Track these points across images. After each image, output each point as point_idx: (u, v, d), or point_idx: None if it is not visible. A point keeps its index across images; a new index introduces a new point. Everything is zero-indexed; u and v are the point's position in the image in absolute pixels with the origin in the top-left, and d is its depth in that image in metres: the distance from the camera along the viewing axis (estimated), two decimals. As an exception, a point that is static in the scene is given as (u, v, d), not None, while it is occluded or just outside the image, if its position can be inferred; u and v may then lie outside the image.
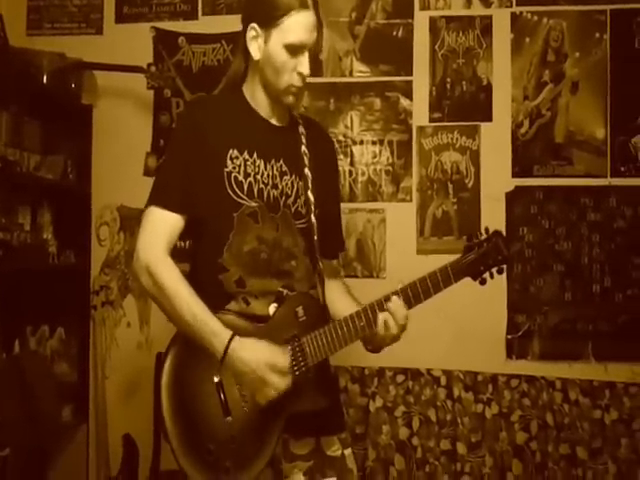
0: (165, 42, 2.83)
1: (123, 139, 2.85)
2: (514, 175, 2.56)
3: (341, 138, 2.68)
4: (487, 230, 1.41)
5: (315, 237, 1.49)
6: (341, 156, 2.68)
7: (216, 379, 1.37)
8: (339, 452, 1.50)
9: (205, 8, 2.81)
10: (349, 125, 2.68)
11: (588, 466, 2.34)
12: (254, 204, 1.43)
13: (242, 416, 1.36)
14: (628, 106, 2.47)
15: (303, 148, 1.51)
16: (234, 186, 1.42)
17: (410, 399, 2.45)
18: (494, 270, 1.40)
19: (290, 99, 1.47)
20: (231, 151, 1.44)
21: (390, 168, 2.66)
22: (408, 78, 2.65)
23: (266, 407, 1.37)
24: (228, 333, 1.35)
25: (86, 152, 2.86)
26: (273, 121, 1.50)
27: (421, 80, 2.64)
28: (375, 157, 2.66)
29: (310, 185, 1.49)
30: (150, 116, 2.82)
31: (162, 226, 1.40)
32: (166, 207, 1.40)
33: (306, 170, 1.49)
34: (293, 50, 1.41)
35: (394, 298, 1.38)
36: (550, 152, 2.53)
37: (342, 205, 2.60)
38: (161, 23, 2.84)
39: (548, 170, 2.53)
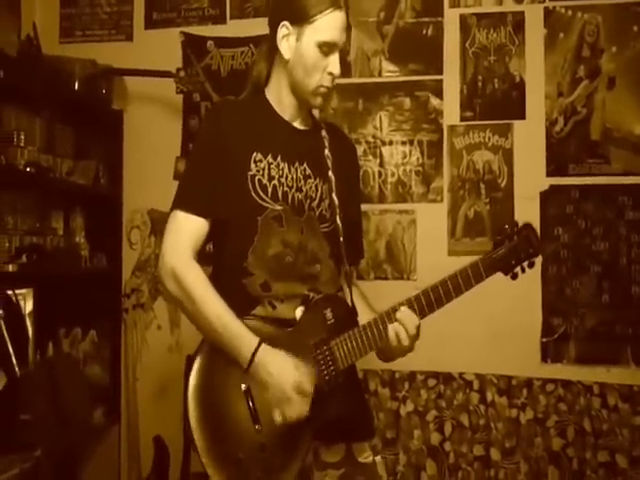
0: (194, 47, 2.84)
1: (153, 143, 2.85)
2: (549, 174, 2.49)
3: (370, 139, 2.65)
4: (517, 224, 1.37)
5: (341, 239, 1.45)
6: (370, 157, 2.64)
7: (244, 386, 1.34)
8: (370, 459, 1.46)
9: (233, 12, 2.81)
10: (378, 126, 2.64)
11: (628, 475, 2.25)
12: (278, 207, 1.41)
13: (272, 424, 1.33)
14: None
15: (326, 152, 1.48)
16: (258, 189, 1.40)
17: (442, 403, 2.40)
18: (525, 264, 1.36)
19: (319, 101, 1.44)
20: (255, 154, 1.41)
21: (420, 168, 2.61)
22: (438, 77, 2.60)
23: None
24: (255, 341, 1.32)
25: (117, 157, 2.88)
26: (296, 124, 1.49)
27: (452, 79, 2.59)
28: (405, 157, 2.62)
29: (334, 188, 1.46)
30: (180, 120, 2.82)
31: (187, 230, 1.38)
32: (191, 211, 1.38)
33: (330, 173, 1.47)
34: (325, 49, 1.38)
35: (402, 308, 1.34)
36: (586, 150, 2.45)
37: (372, 206, 2.64)
38: (190, 28, 2.85)
39: (584, 168, 2.45)
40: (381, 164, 2.64)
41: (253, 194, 1.40)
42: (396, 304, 1.36)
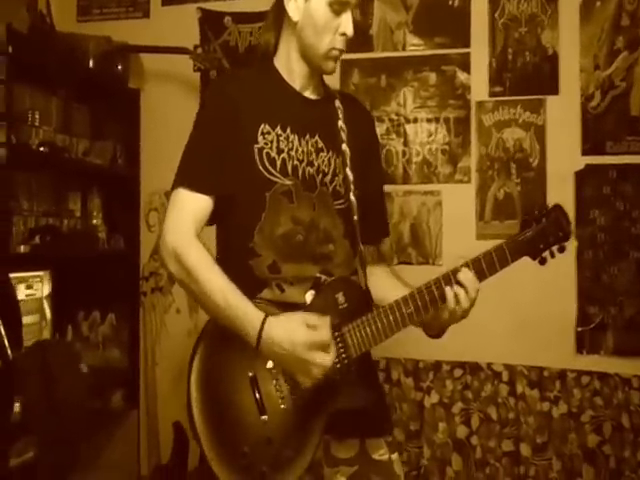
0: (211, 23, 2.75)
1: (170, 122, 2.78)
2: (584, 153, 2.34)
3: (394, 116, 2.52)
4: (546, 206, 1.28)
5: (355, 217, 1.36)
6: (393, 135, 2.52)
7: (250, 374, 1.25)
8: (386, 456, 1.36)
9: (251, -14, 2.70)
10: (402, 102, 2.52)
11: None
12: (288, 182, 1.32)
13: (279, 415, 1.24)
14: None
15: (340, 123, 1.38)
16: (266, 163, 1.31)
17: (469, 395, 2.29)
18: (555, 248, 1.27)
19: (331, 65, 1.34)
20: (262, 126, 1.32)
21: (447, 147, 2.48)
22: (465, 50, 2.46)
23: (304, 405, 1.24)
24: (261, 316, 1.23)
25: (134, 137, 2.82)
26: (307, 94, 1.38)
27: (480, 52, 2.44)
28: (430, 136, 2.49)
29: (349, 162, 1.36)
30: (197, 99, 2.74)
31: (190, 208, 1.30)
32: (193, 188, 1.30)
33: (344, 146, 1.37)
34: (337, 7, 1.29)
35: (464, 269, 1.25)
36: (625, 126, 2.29)
37: (395, 187, 2.53)
38: (207, 3, 2.76)
39: (623, 147, 2.30)
40: (405, 143, 2.52)
41: (261, 168, 1.30)
42: (456, 267, 1.27)
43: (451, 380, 2.31)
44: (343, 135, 1.36)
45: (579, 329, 2.30)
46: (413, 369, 2.36)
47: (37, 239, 2.28)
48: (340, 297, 1.29)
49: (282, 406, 1.25)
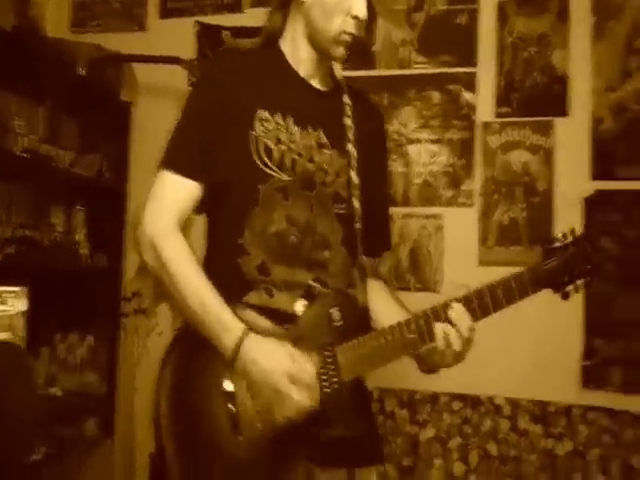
0: (209, 37, 2.73)
1: (162, 138, 2.70)
2: (594, 177, 2.30)
3: (395, 136, 2.48)
4: (572, 232, 1.19)
5: (357, 225, 1.27)
6: (395, 156, 2.47)
7: (227, 388, 1.16)
8: None
9: (251, 0, 2.70)
10: (404, 122, 2.48)
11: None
12: (285, 177, 1.23)
13: (256, 436, 1.15)
14: None
15: (347, 120, 1.30)
16: (262, 154, 1.23)
17: (467, 430, 2.19)
18: (580, 282, 1.18)
19: (340, 51, 1.25)
20: (260, 112, 1.23)
21: (450, 169, 2.44)
22: (472, 69, 2.44)
23: (285, 428, 1.14)
24: (240, 328, 1.14)
25: (123, 151, 2.79)
26: (314, 83, 1.30)
27: (486, 71, 2.43)
28: (433, 157, 2.45)
29: (354, 164, 1.28)
30: (191, 113, 2.70)
31: (174, 194, 1.21)
32: (180, 172, 1.21)
33: (349, 146, 1.29)
34: None
35: (456, 305, 1.16)
36: (637, 151, 2.26)
37: (395, 210, 2.47)
38: (205, 17, 2.74)
39: (635, 171, 2.25)
40: (406, 164, 2.48)
41: (256, 158, 1.22)
42: (446, 300, 1.17)
43: (449, 413, 2.23)
44: (349, 134, 1.29)
45: (585, 363, 2.22)
46: (408, 400, 2.27)
47: (12, 249, 2.20)
48: (335, 313, 1.20)
49: (259, 426, 1.15)
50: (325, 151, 1.27)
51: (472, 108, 2.43)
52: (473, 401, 2.24)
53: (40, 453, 2.34)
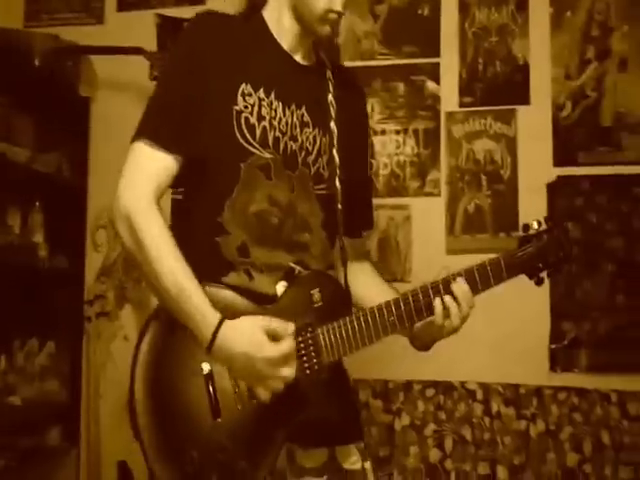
0: (170, 30, 2.70)
1: (123, 135, 2.65)
2: (556, 164, 2.36)
3: (361, 128, 2.50)
4: (547, 220, 1.23)
5: (339, 206, 1.27)
6: (361, 147, 2.49)
7: (205, 369, 1.15)
8: (359, 465, 1.28)
9: (212, -9, 2.70)
10: (370, 113, 2.50)
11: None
12: (267, 155, 1.21)
13: (236, 418, 1.14)
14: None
15: (330, 97, 1.28)
16: (244, 130, 1.20)
17: (442, 416, 2.21)
18: (552, 270, 1.23)
19: (326, 29, 1.23)
20: (243, 86, 1.20)
21: (415, 159, 2.47)
22: (435, 60, 2.48)
23: (266, 410, 1.14)
24: (216, 318, 1.12)
25: (83, 148, 2.73)
26: (297, 57, 1.28)
27: (450, 62, 2.48)
28: (399, 147, 2.49)
29: (335, 143, 1.27)
30: (152, 108, 2.67)
31: (150, 167, 1.17)
32: (157, 143, 1.17)
33: (332, 124, 1.27)
34: None
35: (460, 280, 1.17)
36: (597, 137, 2.33)
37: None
38: (166, 10, 2.72)
39: (595, 157, 2.32)
40: (372, 155, 2.50)
41: (237, 134, 1.20)
42: (449, 275, 1.18)
43: (423, 401, 2.24)
44: (332, 111, 1.27)
45: (552, 346, 2.28)
46: (382, 390, 2.28)
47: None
48: (316, 294, 1.20)
49: (239, 407, 1.15)
50: (307, 130, 1.26)
51: (436, 99, 2.47)
52: (446, 387, 2.26)
53: (-1, 464, 2.27)
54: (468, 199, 2.42)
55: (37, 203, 2.65)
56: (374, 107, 2.51)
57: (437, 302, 1.17)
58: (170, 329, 1.16)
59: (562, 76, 2.38)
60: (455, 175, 2.44)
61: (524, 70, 2.41)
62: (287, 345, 1.13)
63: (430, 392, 2.25)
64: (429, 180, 2.46)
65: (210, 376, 1.14)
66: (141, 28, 2.71)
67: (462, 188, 2.43)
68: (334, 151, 1.27)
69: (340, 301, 1.24)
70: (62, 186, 2.66)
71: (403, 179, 2.48)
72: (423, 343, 1.29)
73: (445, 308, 1.17)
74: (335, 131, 1.27)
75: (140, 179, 1.17)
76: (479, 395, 2.23)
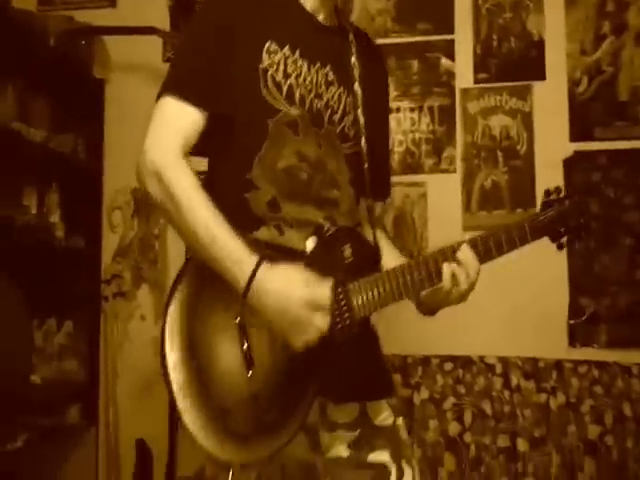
0: (183, 11, 2.73)
1: (138, 116, 2.66)
2: (572, 139, 2.38)
3: (375, 106, 2.52)
4: (567, 189, 1.26)
5: (365, 165, 1.28)
6: (376, 125, 2.51)
7: (238, 320, 1.15)
8: (390, 421, 1.28)
9: (226, -30, 2.71)
10: (384, 91, 2.53)
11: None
12: (294, 112, 1.22)
13: (268, 371, 1.15)
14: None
15: (353, 59, 1.29)
16: (270, 87, 1.21)
17: (461, 390, 2.24)
18: (572, 236, 1.24)
19: None
20: (269, 43, 1.21)
21: (431, 136, 2.49)
22: (449, 37, 2.49)
23: (298, 362, 1.15)
24: (253, 259, 1.13)
25: (98, 130, 2.75)
26: (320, 18, 1.29)
27: (464, 38, 2.48)
28: (414, 125, 2.50)
29: (360, 104, 1.28)
30: (166, 89, 2.70)
31: (178, 122, 1.17)
32: (185, 98, 1.17)
33: (356, 85, 1.28)
34: None
35: (464, 247, 1.19)
36: (614, 112, 2.34)
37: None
38: (178, -10, 2.74)
39: (612, 132, 2.33)
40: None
41: (264, 91, 1.20)
42: (454, 243, 1.21)
43: (441, 375, 2.26)
44: (355, 73, 1.28)
45: (571, 322, 2.30)
46: (400, 365, 2.30)
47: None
48: (347, 250, 1.21)
49: (272, 361, 1.16)
50: (332, 88, 1.26)
51: (451, 75, 2.48)
52: (465, 362, 2.28)
53: (20, 441, 2.31)
54: (484, 175, 2.43)
55: (54, 184, 2.68)
56: (389, 85, 2.53)
57: (445, 267, 1.18)
58: (201, 284, 1.16)
59: (577, 51, 2.38)
60: (471, 151, 2.45)
61: (539, 46, 2.41)
62: (325, 293, 1.14)
63: (449, 366, 2.27)
64: (445, 157, 2.47)
65: (243, 327, 1.14)
66: (153, 10, 2.73)
67: (478, 164, 2.44)
68: (359, 111, 1.28)
69: (370, 258, 1.25)
70: (78, 167, 2.68)
71: (419, 156, 2.49)
72: (429, 308, 1.29)
73: (453, 274, 1.18)
74: (359, 92, 1.28)
75: (167, 133, 1.17)
76: (498, 369, 2.24)
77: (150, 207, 2.84)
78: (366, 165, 1.28)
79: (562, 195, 1.25)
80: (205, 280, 1.17)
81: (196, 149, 1.22)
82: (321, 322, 1.13)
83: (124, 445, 2.60)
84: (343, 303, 1.19)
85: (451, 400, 2.24)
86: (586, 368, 2.19)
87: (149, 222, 2.81)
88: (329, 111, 1.26)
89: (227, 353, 1.15)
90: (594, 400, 2.16)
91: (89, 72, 2.71)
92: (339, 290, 1.18)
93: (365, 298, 1.20)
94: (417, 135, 2.50)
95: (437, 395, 2.24)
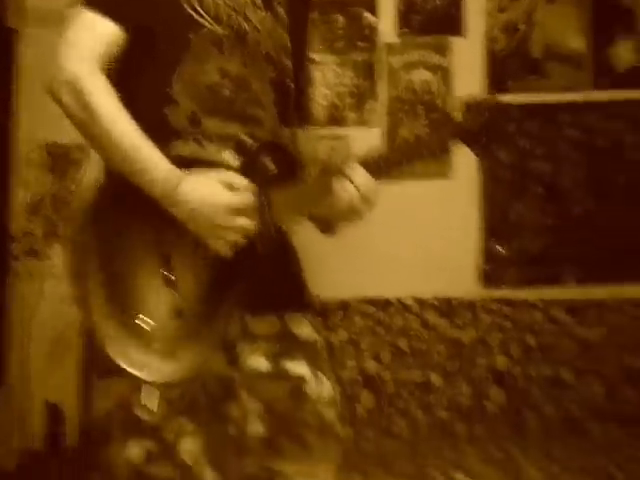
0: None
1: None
2: (490, 93, 2.49)
3: (300, 60, 2.57)
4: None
5: (291, 86, 1.29)
6: (300, 79, 2.56)
7: (159, 236, 1.15)
8: (312, 338, 1.28)
9: None
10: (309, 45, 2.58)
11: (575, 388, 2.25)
12: (219, 30, 1.23)
13: (192, 286, 1.16)
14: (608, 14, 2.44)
15: None
16: (195, 3, 1.20)
17: (380, 330, 2.30)
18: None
19: None
20: None
21: (354, 90, 2.56)
22: (373, -8, 2.59)
23: (221, 272, 1.17)
24: (175, 171, 1.14)
25: (8, 82, 2.67)
26: None
27: (387, -6, 2.59)
28: (337, 79, 2.56)
29: (285, 28, 1.29)
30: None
31: (96, 33, 1.15)
32: (101, 11, 1.15)
33: (280, 10, 1.30)
34: None
35: (353, 165, 1.19)
36: (527, 67, 2.50)
37: (301, 132, 2.55)
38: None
39: (525, 86, 2.48)
40: (312, 86, 2.57)
41: (185, 4, 1.20)
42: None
43: (360, 317, 2.32)
44: None
45: (484, 265, 2.41)
46: (320, 309, 2.33)
47: None
48: (269, 162, 1.24)
49: (196, 274, 1.17)
50: (260, 12, 1.28)
51: (374, 30, 2.57)
52: (383, 304, 2.37)
53: None
54: (406, 129, 2.52)
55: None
56: (313, 39, 2.58)
57: (336, 183, 1.17)
58: (119, 207, 1.15)
59: (495, 10, 2.52)
60: (394, 105, 2.54)
61: (459, 2, 2.54)
62: (245, 196, 1.17)
63: (368, 308, 2.35)
64: (367, 110, 2.55)
65: (164, 243, 1.15)
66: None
67: (400, 118, 2.53)
68: (284, 36, 1.30)
69: (293, 169, 1.26)
70: (-15, 121, 2.61)
71: (342, 109, 2.56)
72: (325, 225, 1.29)
73: (344, 189, 1.18)
74: (284, 17, 1.31)
75: (85, 43, 1.15)
76: (415, 309, 2.35)
77: (65, 162, 2.79)
78: (292, 86, 1.31)
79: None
80: (121, 201, 1.15)
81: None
82: (246, 223, 1.18)
83: (35, 408, 2.55)
84: (267, 211, 1.21)
85: (369, 340, 2.30)
86: (496, 305, 2.31)
87: (66, 178, 2.75)
88: (255, 33, 1.29)
89: (148, 273, 1.16)
90: (503, 334, 2.28)
91: (1, 21, 2.64)
92: (263, 198, 1.21)
93: (287, 206, 1.23)
94: (341, 89, 2.58)
95: (355, 336, 2.30)
